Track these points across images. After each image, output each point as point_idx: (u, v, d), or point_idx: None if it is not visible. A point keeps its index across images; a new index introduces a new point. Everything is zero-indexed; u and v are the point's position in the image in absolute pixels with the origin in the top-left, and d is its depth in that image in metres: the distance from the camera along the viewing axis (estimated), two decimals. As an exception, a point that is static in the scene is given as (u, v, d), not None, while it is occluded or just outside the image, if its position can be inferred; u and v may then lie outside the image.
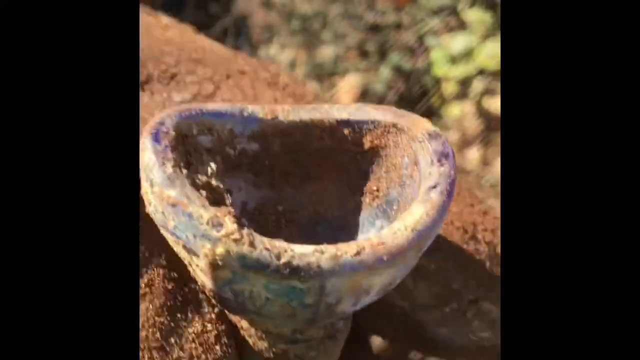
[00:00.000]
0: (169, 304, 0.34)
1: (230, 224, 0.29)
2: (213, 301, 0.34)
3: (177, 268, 0.35)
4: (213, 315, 0.35)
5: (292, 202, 0.36)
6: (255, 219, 0.35)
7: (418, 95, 1.08)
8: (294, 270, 0.29)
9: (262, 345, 0.35)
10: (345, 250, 0.29)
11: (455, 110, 1.03)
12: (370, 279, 0.30)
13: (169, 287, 0.34)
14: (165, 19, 0.45)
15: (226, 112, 0.33)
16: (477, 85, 1.02)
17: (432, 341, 0.37)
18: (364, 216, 0.35)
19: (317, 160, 0.36)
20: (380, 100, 1.08)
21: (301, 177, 0.36)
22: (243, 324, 0.36)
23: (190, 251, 0.30)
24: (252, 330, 0.35)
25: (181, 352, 0.33)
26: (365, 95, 1.10)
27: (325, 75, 1.14)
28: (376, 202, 0.35)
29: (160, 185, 0.29)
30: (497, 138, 1.01)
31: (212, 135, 0.33)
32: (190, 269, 0.33)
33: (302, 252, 0.29)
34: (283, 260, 0.29)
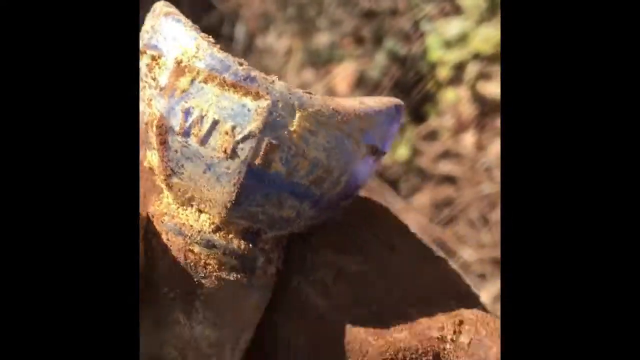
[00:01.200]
0: None
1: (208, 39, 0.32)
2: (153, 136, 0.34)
3: None
4: None
5: None
6: None
7: (414, 81, 1.08)
8: (250, 79, 0.31)
9: (176, 243, 0.35)
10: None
11: (450, 95, 1.03)
12: (313, 129, 0.32)
13: None
14: None
15: None
16: (472, 69, 1.02)
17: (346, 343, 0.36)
18: None
19: None
20: (375, 87, 1.08)
21: None
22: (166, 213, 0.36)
23: (156, 59, 0.33)
24: (166, 224, 0.35)
25: None
26: (360, 82, 1.10)
27: (321, 62, 1.14)
28: None
29: None
30: (491, 122, 1.01)
31: None
32: (144, 104, 0.34)
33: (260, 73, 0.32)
34: (244, 66, 0.32)
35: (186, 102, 0.32)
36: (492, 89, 1.01)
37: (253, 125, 0.31)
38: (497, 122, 1.00)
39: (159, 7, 0.34)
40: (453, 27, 1.02)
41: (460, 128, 1.03)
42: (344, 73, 1.10)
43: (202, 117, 0.32)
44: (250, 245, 0.34)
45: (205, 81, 0.32)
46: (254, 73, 0.31)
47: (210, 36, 0.32)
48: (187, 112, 0.32)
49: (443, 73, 1.02)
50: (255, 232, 0.34)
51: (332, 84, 1.12)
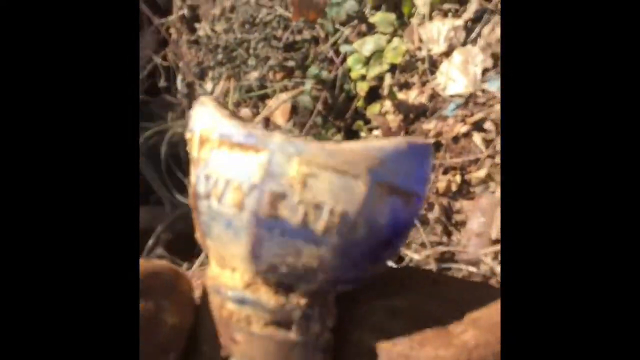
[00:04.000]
0: None
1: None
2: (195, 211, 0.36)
3: None
4: None
5: None
6: None
7: (344, 102, 1.12)
8: (250, 136, 0.33)
9: (215, 302, 0.35)
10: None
11: (375, 109, 1.08)
12: (313, 173, 0.32)
13: None
14: None
15: None
16: (388, 80, 1.07)
17: None
18: None
19: None
20: (310, 113, 1.13)
21: None
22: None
23: (190, 138, 0.36)
24: (210, 286, 0.36)
25: None
26: (295, 111, 1.15)
27: (256, 99, 1.19)
28: None
29: None
30: (415, 126, 1.05)
31: None
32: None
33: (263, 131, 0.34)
34: (247, 127, 0.34)
35: (206, 169, 0.35)
36: (410, 95, 1.06)
37: (256, 177, 0.33)
38: (421, 125, 1.05)
39: (200, 100, 0.38)
40: (368, 44, 1.07)
41: (389, 137, 1.07)
42: (278, 104, 1.15)
43: (217, 179, 0.34)
44: (283, 299, 0.34)
45: (218, 147, 0.34)
46: (255, 131, 0.33)
47: (241, 116, 0.35)
48: (207, 177, 0.35)
49: (363, 88, 1.07)
50: (286, 286, 0.35)
51: (270, 116, 1.17)
